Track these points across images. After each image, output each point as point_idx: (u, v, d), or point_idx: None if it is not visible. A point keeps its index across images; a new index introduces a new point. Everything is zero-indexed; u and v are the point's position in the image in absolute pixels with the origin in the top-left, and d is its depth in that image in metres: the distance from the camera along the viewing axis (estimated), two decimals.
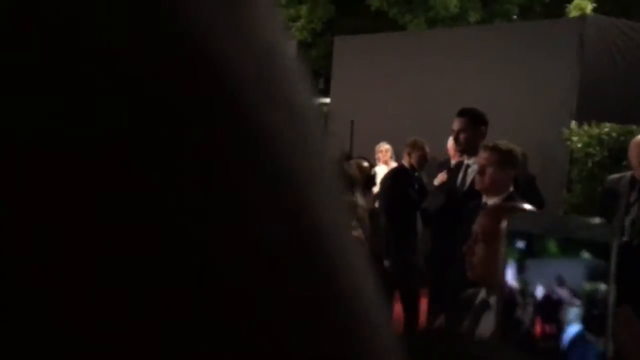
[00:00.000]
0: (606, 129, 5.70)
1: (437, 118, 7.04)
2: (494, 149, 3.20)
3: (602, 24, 6.35)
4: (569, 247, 0.51)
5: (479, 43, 7.23)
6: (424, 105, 7.28)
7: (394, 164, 6.79)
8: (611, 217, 4.01)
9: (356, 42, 9.23)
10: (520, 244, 0.52)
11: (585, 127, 5.83)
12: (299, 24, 12.06)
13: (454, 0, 9.41)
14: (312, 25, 12.06)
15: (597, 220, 0.56)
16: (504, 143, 3.30)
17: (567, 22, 7.57)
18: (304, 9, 12.05)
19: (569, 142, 6.00)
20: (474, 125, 3.75)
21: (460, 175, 3.80)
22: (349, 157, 5.48)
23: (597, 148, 5.69)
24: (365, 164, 4.54)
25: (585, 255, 0.51)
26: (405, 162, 5.04)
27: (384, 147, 6.70)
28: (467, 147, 3.76)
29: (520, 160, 3.35)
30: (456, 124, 3.81)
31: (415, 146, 5.26)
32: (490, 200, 3.11)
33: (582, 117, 5.96)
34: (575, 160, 5.89)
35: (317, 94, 11.45)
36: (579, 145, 5.79)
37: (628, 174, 4.14)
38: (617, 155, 5.61)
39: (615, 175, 4.24)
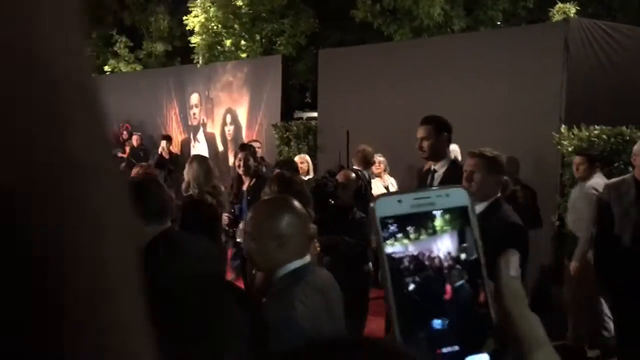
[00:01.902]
0: (596, 132, 5.65)
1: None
2: (481, 155, 3.22)
3: (585, 27, 6.33)
4: (435, 219, 0.53)
5: (465, 51, 7.21)
6: (412, 114, 7.20)
7: (387, 177, 6.73)
8: (614, 220, 3.96)
9: (341, 54, 9.21)
10: (393, 228, 0.53)
11: (575, 130, 5.79)
12: (282, 38, 12.03)
13: (437, 9, 9.41)
14: (296, 39, 12.04)
15: (453, 186, 0.57)
16: (489, 150, 3.31)
17: (551, 26, 7.58)
18: (287, 23, 12.03)
19: (559, 146, 5.96)
20: (436, 132, 3.79)
21: (429, 181, 3.87)
22: (342, 167, 5.42)
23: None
24: (353, 175, 4.56)
25: (452, 224, 0.54)
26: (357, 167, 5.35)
27: (378, 160, 6.62)
28: (431, 154, 3.84)
29: (506, 167, 3.33)
30: (419, 132, 3.84)
31: (364, 154, 5.49)
32: (478, 206, 3.09)
33: (571, 120, 5.93)
34: (567, 163, 5.84)
35: (305, 107, 11.37)
36: (570, 148, 5.74)
37: (628, 176, 4.07)
38: (608, 158, 5.56)
39: (614, 180, 4.16)
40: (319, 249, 3.05)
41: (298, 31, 12.01)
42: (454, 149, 6.27)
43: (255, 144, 7.24)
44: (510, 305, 0.50)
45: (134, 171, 4.37)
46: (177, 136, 12.08)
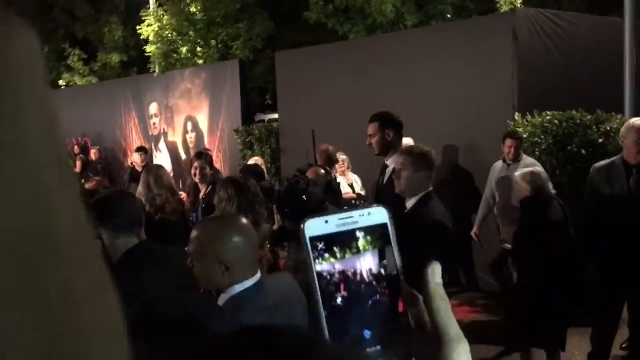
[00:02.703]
0: (548, 117, 5.84)
1: None
2: (408, 152, 3.32)
3: (532, 16, 6.52)
4: (358, 237, 0.59)
5: (417, 45, 7.34)
6: (370, 111, 7.31)
7: (351, 174, 6.82)
8: (605, 202, 4.09)
9: (297, 55, 9.27)
10: (321, 246, 0.58)
11: (529, 117, 5.96)
12: (238, 42, 12.02)
13: (389, 6, 9.55)
14: (252, 42, 12.04)
15: (373, 205, 0.63)
16: (418, 146, 3.43)
17: (498, 17, 7.78)
18: (242, 28, 12.02)
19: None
20: (383, 128, 3.90)
21: (380, 176, 4.02)
22: (310, 165, 5.52)
23: (542, 137, 5.82)
24: (322, 171, 4.69)
25: (373, 241, 0.60)
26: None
27: (340, 158, 6.69)
28: (381, 149, 3.98)
29: (434, 162, 3.34)
30: (368, 129, 3.97)
31: (325, 152, 5.59)
32: (409, 202, 3.24)
33: (524, 107, 6.11)
34: (523, 150, 6.02)
35: (266, 109, 11.40)
36: (525, 135, 5.91)
37: (616, 159, 4.15)
38: (562, 142, 5.76)
39: (603, 162, 4.26)
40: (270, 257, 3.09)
41: (253, 34, 12.03)
42: (408, 142, 6.44)
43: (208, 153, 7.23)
44: (437, 308, 0.57)
45: (88, 185, 4.34)
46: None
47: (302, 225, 0.59)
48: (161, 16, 11.97)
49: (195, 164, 5.10)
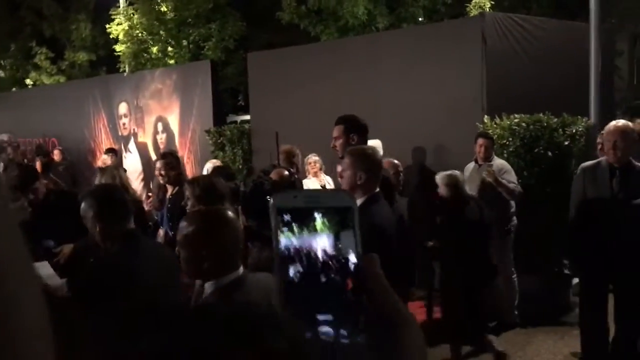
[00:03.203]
0: (516, 120, 5.94)
1: None
2: (350, 153, 3.34)
3: (500, 20, 6.62)
4: (322, 215, 0.63)
5: (389, 48, 7.39)
6: (343, 112, 7.34)
7: (323, 176, 6.82)
8: (589, 202, 4.17)
9: (269, 56, 9.24)
10: (287, 217, 0.62)
11: (497, 120, 6.05)
12: (211, 43, 11.92)
13: (361, 8, 9.59)
14: (225, 43, 11.96)
15: (338, 190, 0.69)
16: (361, 148, 3.44)
17: (468, 21, 7.87)
18: (214, 28, 11.93)
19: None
20: (348, 131, 3.91)
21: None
22: (274, 166, 5.55)
23: (510, 139, 5.91)
24: (286, 173, 4.72)
25: (335, 221, 0.63)
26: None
27: (313, 159, 6.69)
28: (345, 153, 3.91)
29: (377, 162, 3.35)
30: (334, 132, 3.97)
31: (290, 153, 5.66)
32: (357, 201, 3.21)
33: (493, 110, 6.20)
34: None
35: (238, 110, 11.32)
36: (494, 137, 6.00)
37: (603, 160, 4.23)
38: (529, 144, 5.86)
39: (590, 163, 4.34)
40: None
41: (226, 35, 11.93)
42: (376, 145, 6.49)
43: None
44: (380, 292, 0.61)
45: (40, 186, 4.28)
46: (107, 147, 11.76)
47: (271, 198, 0.62)
48: (131, 15, 11.79)
49: (157, 165, 5.16)
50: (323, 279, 0.61)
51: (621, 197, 3.98)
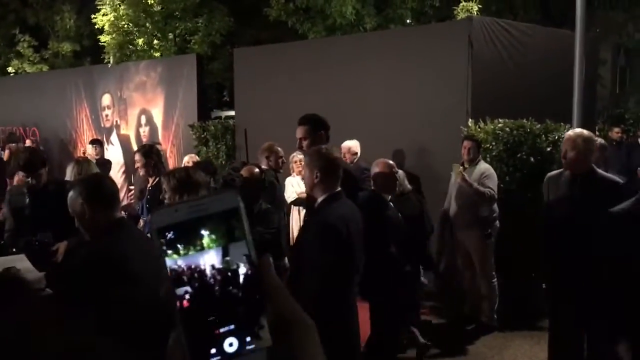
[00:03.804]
0: (500, 125, 5.97)
1: (340, 123, 7.13)
2: (308, 154, 3.42)
3: (487, 25, 6.66)
4: (209, 223, 0.60)
5: (376, 48, 7.39)
6: (327, 111, 7.33)
7: None
8: (552, 210, 4.21)
9: (256, 53, 9.20)
10: (170, 235, 0.60)
11: (481, 124, 6.08)
12: (197, 37, 11.84)
13: (349, 7, 9.58)
14: (212, 38, 11.88)
15: (226, 190, 0.65)
16: (319, 148, 3.46)
17: (455, 24, 7.90)
18: (201, 22, 11.85)
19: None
20: (314, 131, 3.94)
21: None
22: (244, 163, 5.58)
23: (494, 143, 5.94)
24: (257, 170, 4.76)
25: (224, 226, 0.61)
26: (265, 165, 5.55)
27: (298, 158, 6.67)
28: None
29: (333, 159, 3.37)
30: (298, 132, 3.99)
31: (271, 150, 5.78)
32: (317, 202, 3.32)
33: (477, 114, 6.23)
34: None
35: (223, 106, 11.26)
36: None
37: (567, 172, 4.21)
38: (512, 149, 5.90)
39: (555, 172, 4.38)
40: None
41: (213, 30, 11.85)
42: (354, 145, 6.51)
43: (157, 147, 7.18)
44: (276, 294, 0.62)
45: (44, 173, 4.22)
46: (89, 139, 11.62)
47: (150, 216, 0.62)
48: (117, 6, 11.66)
49: (136, 156, 5.22)
50: (217, 294, 0.61)
51: (580, 206, 4.00)
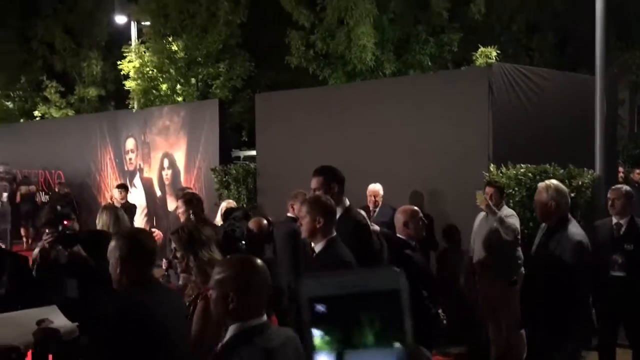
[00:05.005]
0: (522, 170, 5.98)
1: (360, 167, 7.21)
2: (306, 201, 3.54)
3: (507, 71, 6.74)
4: (364, 301, 0.55)
5: (396, 94, 7.51)
6: (348, 155, 7.44)
7: None
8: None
9: (277, 98, 9.38)
10: (320, 308, 0.56)
11: (503, 169, 6.10)
12: (219, 82, 12.12)
13: (369, 54, 9.78)
14: (233, 82, 12.15)
15: (385, 268, 0.59)
16: (317, 196, 3.62)
17: (475, 71, 8.02)
18: (223, 68, 12.14)
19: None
20: (327, 182, 4.02)
21: None
22: (246, 213, 5.66)
23: (516, 188, 5.95)
24: (265, 222, 4.90)
25: (380, 307, 0.56)
26: (291, 212, 5.54)
27: None
28: None
29: (332, 207, 3.51)
30: (312, 183, 4.08)
31: (298, 198, 5.73)
32: (316, 246, 3.44)
33: (499, 159, 6.26)
34: None
35: (242, 146, 11.41)
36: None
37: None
38: (534, 195, 5.89)
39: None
40: None
41: (234, 74, 12.14)
42: (377, 188, 6.58)
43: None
44: None
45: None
46: (113, 182, 11.83)
47: (302, 284, 0.56)
48: (143, 53, 12.02)
49: (178, 203, 5.46)
50: None
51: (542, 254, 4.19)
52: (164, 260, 4.99)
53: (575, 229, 4.13)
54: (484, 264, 5.59)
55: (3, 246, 5.24)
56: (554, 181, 4.34)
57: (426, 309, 4.42)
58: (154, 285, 2.79)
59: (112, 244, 2.78)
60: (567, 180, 5.96)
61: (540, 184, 4.30)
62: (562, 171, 6.01)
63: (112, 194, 9.31)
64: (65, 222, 3.96)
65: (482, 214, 5.72)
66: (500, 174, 6.09)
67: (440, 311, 5.01)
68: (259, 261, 2.24)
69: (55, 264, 3.81)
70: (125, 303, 2.67)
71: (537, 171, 5.96)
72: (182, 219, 5.28)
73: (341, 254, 3.34)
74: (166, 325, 2.57)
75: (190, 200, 5.30)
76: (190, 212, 5.18)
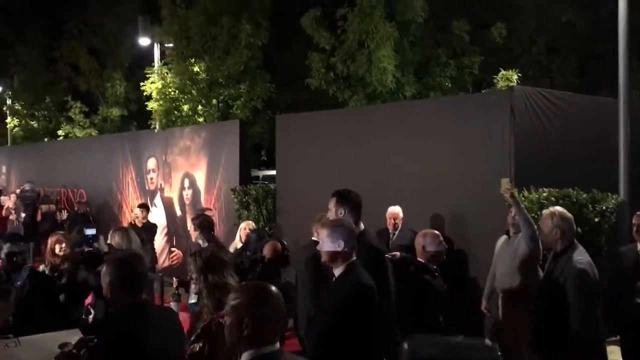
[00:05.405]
0: (545, 194, 5.93)
1: (380, 189, 7.21)
2: (324, 225, 3.55)
3: (528, 94, 6.72)
4: None
5: (416, 116, 7.51)
6: (368, 178, 7.46)
7: None
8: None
9: (297, 119, 9.45)
10: None
11: (525, 193, 6.06)
12: (239, 102, 12.25)
13: (389, 76, 9.83)
14: (253, 103, 12.27)
15: (483, 342, 0.63)
16: (336, 220, 3.65)
17: (497, 94, 8.00)
18: (243, 89, 12.28)
19: (511, 208, 6.20)
20: (339, 205, 4.07)
21: None
22: (259, 236, 5.69)
23: (539, 213, 5.88)
24: (279, 246, 5.01)
25: None
26: (316, 237, 5.44)
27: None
28: None
29: (353, 231, 3.51)
30: (330, 204, 4.14)
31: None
32: (336, 270, 3.43)
33: (521, 183, 6.21)
34: None
35: (261, 165, 11.46)
36: None
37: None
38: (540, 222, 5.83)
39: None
40: None
41: (254, 95, 12.26)
42: (397, 210, 6.56)
43: (207, 212, 7.40)
44: None
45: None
46: (134, 201, 11.96)
47: (404, 345, 0.60)
48: (165, 74, 12.22)
49: (190, 223, 5.70)
50: None
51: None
52: (174, 278, 5.15)
53: (579, 256, 4.10)
54: (505, 290, 5.51)
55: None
56: (558, 208, 4.32)
57: (444, 334, 4.39)
58: (144, 308, 2.83)
59: (104, 268, 2.85)
60: (590, 205, 5.90)
61: (545, 211, 4.30)
62: (585, 195, 5.95)
63: (134, 213, 9.40)
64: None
65: (503, 237, 5.67)
66: (523, 198, 6.04)
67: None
68: (273, 288, 2.25)
69: (85, 286, 3.86)
70: (115, 330, 2.73)
71: (560, 195, 5.90)
72: (193, 240, 5.46)
73: (361, 278, 3.34)
74: (155, 348, 2.64)
75: (202, 224, 5.44)
76: (203, 236, 5.33)
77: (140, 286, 2.83)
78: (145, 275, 2.92)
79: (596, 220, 5.83)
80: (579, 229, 5.76)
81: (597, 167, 6.61)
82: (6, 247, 4.42)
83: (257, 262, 4.77)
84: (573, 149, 6.71)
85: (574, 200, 5.87)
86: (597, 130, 6.99)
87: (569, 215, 4.26)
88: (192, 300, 4.76)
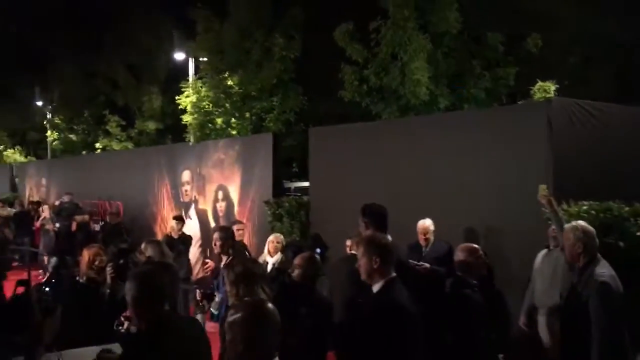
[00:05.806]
0: (585, 207, 5.80)
1: (413, 203, 7.15)
2: (362, 241, 3.51)
3: (566, 105, 6.61)
4: None
5: (451, 129, 7.44)
6: (402, 190, 7.41)
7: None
8: None
9: (331, 131, 9.47)
10: None
11: (565, 206, 5.93)
12: (272, 115, 12.34)
13: (423, 88, 9.78)
14: (286, 116, 12.36)
15: None
16: (374, 235, 3.60)
17: (534, 106, 7.88)
18: (276, 101, 12.38)
19: (550, 222, 6.08)
20: (363, 215, 4.17)
21: None
22: (295, 249, 5.67)
23: None
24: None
25: None
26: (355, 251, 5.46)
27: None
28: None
29: (389, 246, 3.47)
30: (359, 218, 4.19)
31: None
32: (374, 287, 3.36)
33: (560, 196, 6.08)
34: None
35: (293, 177, 11.55)
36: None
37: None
38: (600, 233, 5.68)
39: None
40: None
41: (287, 108, 12.35)
42: (427, 223, 6.50)
43: (239, 226, 7.45)
44: None
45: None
46: (169, 213, 12.13)
47: None
48: (200, 88, 12.41)
49: (215, 236, 5.55)
50: None
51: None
52: (197, 291, 5.20)
53: (602, 270, 4.03)
54: (544, 304, 5.40)
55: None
56: (581, 222, 4.25)
57: (482, 352, 4.30)
58: (169, 321, 2.88)
59: (127, 284, 2.92)
60: (632, 218, 5.74)
61: (567, 226, 4.22)
62: (627, 209, 5.79)
63: (170, 225, 9.55)
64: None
65: (544, 251, 5.56)
66: (562, 211, 5.91)
67: (501, 356, 4.86)
68: (269, 305, 2.28)
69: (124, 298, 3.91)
70: (139, 343, 2.80)
71: (600, 208, 5.75)
72: (215, 251, 5.51)
73: (396, 297, 3.27)
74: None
75: (225, 235, 5.46)
76: (226, 244, 5.35)
77: (163, 298, 2.88)
78: (170, 284, 2.98)
79: (638, 234, 5.66)
80: (621, 243, 5.64)
81: (638, 179, 6.43)
82: (54, 261, 4.52)
83: (282, 271, 4.73)
84: (613, 161, 6.55)
85: (616, 213, 5.72)
86: (637, 141, 6.82)
87: (591, 229, 4.20)
88: (214, 310, 4.95)
